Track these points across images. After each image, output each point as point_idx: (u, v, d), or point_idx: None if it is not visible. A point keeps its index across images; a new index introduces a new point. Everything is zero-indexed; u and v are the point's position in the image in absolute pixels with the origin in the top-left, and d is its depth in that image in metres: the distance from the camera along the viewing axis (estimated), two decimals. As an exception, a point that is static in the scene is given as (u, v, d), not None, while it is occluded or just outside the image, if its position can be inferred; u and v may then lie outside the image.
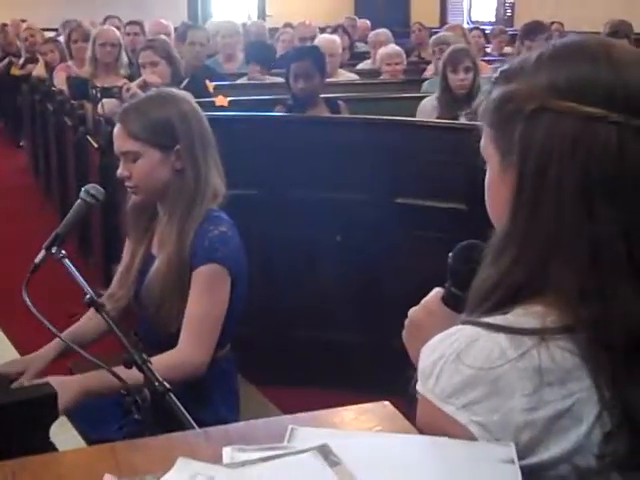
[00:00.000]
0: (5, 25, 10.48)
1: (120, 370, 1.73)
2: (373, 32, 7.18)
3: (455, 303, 1.17)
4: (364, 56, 7.37)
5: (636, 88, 0.97)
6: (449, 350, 0.98)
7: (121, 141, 2.19)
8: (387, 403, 1.11)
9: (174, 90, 2.33)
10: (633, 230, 0.96)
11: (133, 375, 1.71)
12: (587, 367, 0.94)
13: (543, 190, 0.98)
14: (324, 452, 0.93)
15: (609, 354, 0.94)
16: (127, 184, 2.22)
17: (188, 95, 2.32)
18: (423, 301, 1.24)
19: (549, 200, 0.97)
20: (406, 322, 1.24)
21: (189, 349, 2.10)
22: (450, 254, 1.22)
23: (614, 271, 0.95)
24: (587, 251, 0.95)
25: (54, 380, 1.91)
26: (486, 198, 1.10)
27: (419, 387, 1.01)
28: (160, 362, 1.89)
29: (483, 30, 8.10)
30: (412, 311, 1.24)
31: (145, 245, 2.29)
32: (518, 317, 0.97)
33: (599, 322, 0.94)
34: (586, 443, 0.93)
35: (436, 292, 1.23)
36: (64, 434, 1.82)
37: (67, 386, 1.93)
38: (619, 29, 5.65)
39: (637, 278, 0.95)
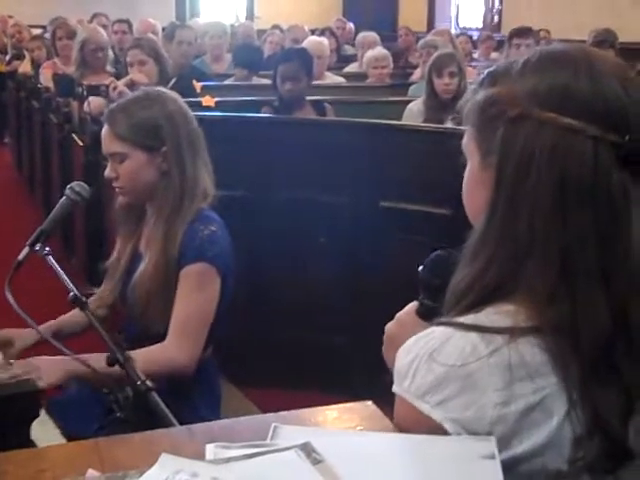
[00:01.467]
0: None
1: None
2: (361, 34, 7.19)
3: (428, 314, 1.19)
4: (351, 59, 7.39)
5: (614, 103, 1.00)
6: (423, 350, 1.01)
7: (108, 142, 2.19)
8: (369, 403, 1.12)
9: (162, 90, 2.32)
10: (604, 239, 0.99)
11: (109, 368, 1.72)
12: (555, 365, 0.97)
13: (519, 194, 1.01)
14: (307, 450, 0.93)
15: (576, 356, 0.96)
16: (114, 185, 2.22)
17: (176, 95, 2.32)
18: (397, 315, 1.28)
19: (525, 204, 1.00)
20: (384, 337, 1.28)
21: (176, 347, 2.10)
22: (420, 267, 1.25)
23: (584, 277, 0.98)
24: (558, 256, 0.98)
25: (41, 359, 1.92)
26: (463, 193, 1.14)
27: (395, 388, 1.03)
28: (146, 356, 1.89)
29: (470, 36, 8.14)
30: (388, 325, 1.28)
31: (133, 243, 2.28)
32: (489, 316, 1.00)
33: (566, 325, 0.97)
34: (558, 437, 0.96)
35: (410, 306, 1.27)
36: (45, 432, 1.81)
37: (56, 365, 1.93)
38: (605, 38, 5.69)
39: (606, 285, 0.98)
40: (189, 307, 2.12)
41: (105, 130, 2.20)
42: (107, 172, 2.21)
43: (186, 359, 2.10)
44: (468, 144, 1.11)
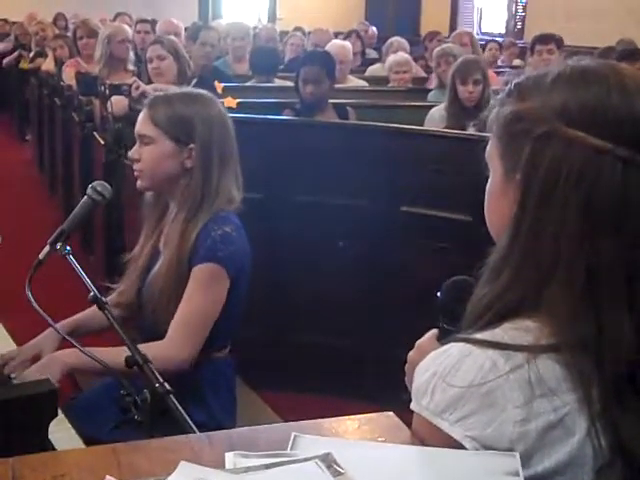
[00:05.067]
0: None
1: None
2: (392, 39, 7.18)
3: (449, 339, 1.19)
4: (373, 62, 7.38)
5: None
6: (441, 367, 1.00)
7: (142, 123, 2.23)
8: (391, 413, 1.11)
9: (209, 94, 2.33)
10: (632, 261, 0.97)
11: (118, 361, 1.73)
12: (576, 383, 0.95)
13: (545, 214, 0.99)
14: (327, 461, 0.92)
15: (597, 375, 0.95)
16: (134, 167, 2.25)
17: (220, 104, 2.33)
18: (418, 342, 1.27)
19: (550, 224, 0.99)
20: (406, 365, 1.27)
21: (173, 344, 2.10)
22: (439, 292, 1.25)
23: (609, 299, 0.96)
24: (584, 277, 0.97)
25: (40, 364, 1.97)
26: (485, 205, 1.12)
27: (414, 406, 1.02)
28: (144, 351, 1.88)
29: (499, 42, 8.01)
30: (410, 353, 1.27)
31: (154, 240, 2.29)
32: (507, 332, 0.99)
33: (588, 346, 0.95)
34: (579, 456, 0.94)
35: (431, 333, 1.26)
36: (61, 432, 1.81)
37: (52, 361, 2.00)
38: (636, 50, 5.61)
39: (632, 307, 0.96)
40: (192, 306, 2.12)
41: (143, 112, 2.25)
42: (131, 152, 2.26)
43: (181, 356, 2.10)
44: (492, 155, 1.09)
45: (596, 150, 0.97)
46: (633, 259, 0.97)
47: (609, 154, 0.97)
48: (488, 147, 1.10)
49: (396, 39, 7.05)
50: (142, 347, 1.83)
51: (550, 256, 0.98)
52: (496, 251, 1.05)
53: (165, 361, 2.03)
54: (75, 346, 1.86)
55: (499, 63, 7.57)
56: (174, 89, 2.49)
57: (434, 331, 1.26)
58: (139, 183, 2.26)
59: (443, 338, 1.21)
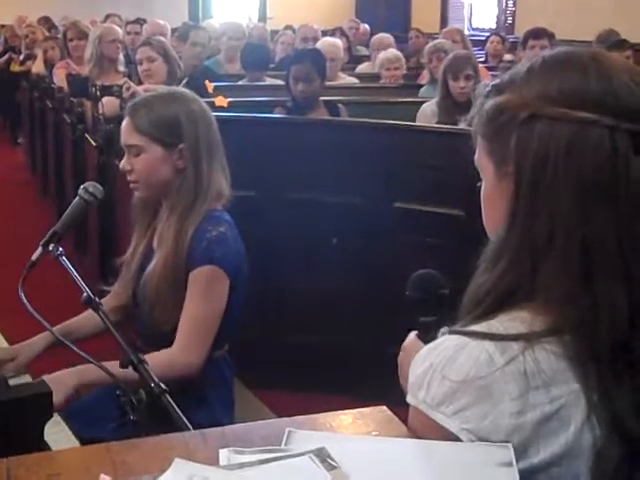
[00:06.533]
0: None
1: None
2: (376, 36, 7.18)
3: (427, 332, 1.20)
4: (363, 60, 7.38)
5: (625, 95, 0.99)
6: (437, 359, 1.00)
7: (127, 134, 2.20)
8: (384, 408, 1.11)
9: (185, 90, 2.32)
10: (626, 233, 0.97)
11: (125, 371, 1.71)
12: (574, 370, 0.96)
13: (539, 194, 0.99)
14: (321, 456, 0.93)
15: (595, 357, 0.95)
16: (128, 178, 2.23)
17: (198, 97, 2.32)
18: (403, 345, 1.31)
19: (544, 203, 0.99)
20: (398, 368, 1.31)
21: (182, 350, 2.10)
22: (407, 291, 1.28)
23: (605, 274, 0.96)
24: (579, 252, 0.97)
25: (48, 378, 1.91)
26: (483, 211, 1.12)
27: (410, 399, 1.02)
28: (152, 360, 1.89)
29: (503, 37, 7.93)
30: (399, 356, 1.31)
31: (147, 240, 2.29)
32: (503, 323, 0.99)
33: (585, 323, 0.95)
34: (576, 447, 0.95)
35: (412, 334, 1.30)
36: (58, 433, 1.81)
37: (59, 382, 1.94)
38: (624, 39, 5.62)
39: (627, 282, 0.96)
40: (197, 311, 2.12)
41: (125, 122, 2.21)
42: (122, 164, 2.22)
43: (191, 362, 2.10)
44: (480, 158, 1.09)
45: (582, 122, 0.98)
46: (627, 230, 0.97)
47: (596, 124, 0.97)
48: (476, 153, 1.10)
49: (379, 36, 7.05)
50: (150, 356, 1.83)
51: (545, 235, 0.98)
52: (493, 241, 1.05)
53: (175, 368, 2.04)
54: (71, 349, 1.84)
55: (505, 58, 7.46)
56: (152, 90, 2.45)
57: (414, 332, 1.29)
58: (137, 194, 2.24)
59: (424, 333, 1.24)
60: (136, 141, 2.17)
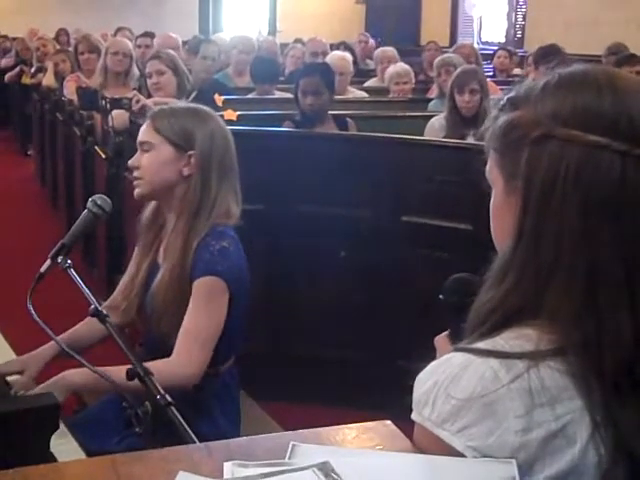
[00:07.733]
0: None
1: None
2: (379, 49, 7.21)
3: (458, 336, 1.19)
4: (371, 74, 7.40)
5: (639, 118, 0.99)
6: (442, 377, 0.99)
7: (144, 132, 2.26)
8: (389, 422, 1.11)
9: (210, 109, 2.35)
10: (632, 257, 0.97)
11: (122, 376, 1.73)
12: (578, 387, 0.95)
13: (546, 215, 0.99)
14: (325, 470, 0.92)
15: (599, 377, 0.95)
16: (134, 174, 2.26)
17: (221, 120, 2.35)
18: (436, 338, 1.32)
19: (551, 224, 0.99)
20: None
21: (180, 361, 2.10)
22: (440, 295, 1.26)
23: (610, 295, 0.96)
24: (585, 274, 0.97)
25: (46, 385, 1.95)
26: (491, 223, 1.12)
27: (415, 416, 1.02)
28: (150, 369, 1.89)
29: (510, 51, 7.91)
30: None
31: (152, 255, 2.30)
32: (508, 341, 0.99)
33: (590, 344, 0.95)
34: (581, 464, 0.94)
35: (444, 334, 1.30)
36: (64, 445, 1.81)
37: (55, 384, 1.98)
38: (633, 53, 5.61)
39: (632, 303, 0.96)
40: (196, 322, 2.13)
41: (146, 123, 2.27)
42: (131, 160, 2.28)
43: (189, 372, 2.10)
44: (491, 170, 1.10)
45: (593, 146, 0.98)
46: (633, 255, 0.97)
47: (606, 149, 0.97)
48: (487, 164, 1.10)
49: (383, 49, 7.09)
50: (149, 365, 1.84)
51: (552, 255, 0.98)
52: (500, 257, 1.05)
53: (174, 377, 2.04)
54: (78, 360, 1.86)
55: (514, 72, 7.44)
56: (176, 102, 2.50)
57: (446, 333, 1.28)
58: (137, 191, 2.26)
59: (455, 336, 1.22)
60: (150, 138, 2.23)
